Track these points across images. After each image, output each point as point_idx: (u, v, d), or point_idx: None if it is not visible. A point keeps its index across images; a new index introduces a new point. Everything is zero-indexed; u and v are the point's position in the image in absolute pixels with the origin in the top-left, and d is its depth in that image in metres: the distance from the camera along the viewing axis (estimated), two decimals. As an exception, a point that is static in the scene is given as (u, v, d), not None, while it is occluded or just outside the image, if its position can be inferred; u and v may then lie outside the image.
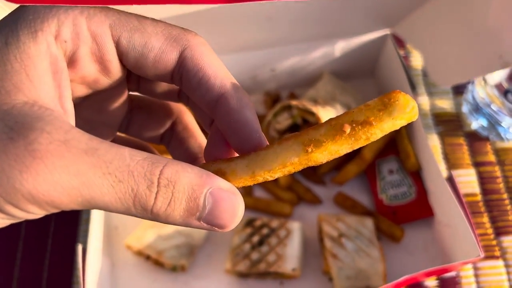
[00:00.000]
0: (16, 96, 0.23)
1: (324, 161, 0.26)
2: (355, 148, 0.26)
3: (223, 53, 0.65)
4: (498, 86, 0.65)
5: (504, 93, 0.64)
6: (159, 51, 0.27)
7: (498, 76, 0.64)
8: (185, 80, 0.28)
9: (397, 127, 0.25)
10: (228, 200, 0.25)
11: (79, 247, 0.51)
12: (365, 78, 0.76)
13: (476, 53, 0.55)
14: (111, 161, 0.23)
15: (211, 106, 0.28)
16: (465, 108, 0.74)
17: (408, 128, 0.66)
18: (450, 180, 0.56)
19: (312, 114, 0.61)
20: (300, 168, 0.26)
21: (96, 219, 0.56)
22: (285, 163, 0.25)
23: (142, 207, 0.24)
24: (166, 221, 0.25)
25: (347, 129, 0.25)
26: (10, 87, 0.23)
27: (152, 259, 0.60)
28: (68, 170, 0.22)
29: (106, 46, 0.27)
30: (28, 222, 0.65)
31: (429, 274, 0.55)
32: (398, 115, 0.24)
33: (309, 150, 0.25)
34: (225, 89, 0.28)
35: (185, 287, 0.60)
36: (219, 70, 0.28)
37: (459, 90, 0.77)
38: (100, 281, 0.55)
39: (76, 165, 0.22)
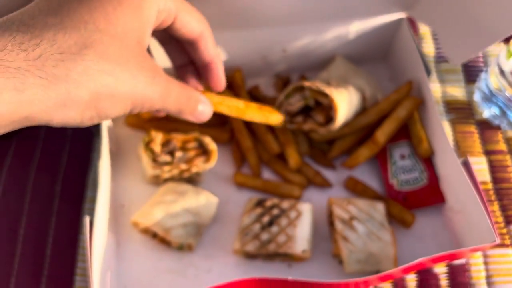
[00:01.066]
0: None
1: (248, 118, 0.55)
2: (261, 120, 0.57)
3: (233, 28, 0.63)
4: (514, 73, 0.64)
5: (520, 80, 0.63)
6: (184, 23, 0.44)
7: (513, 63, 0.63)
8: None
9: (268, 121, 0.58)
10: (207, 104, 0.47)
11: (87, 219, 0.50)
12: (376, 63, 0.75)
13: (488, 21, 0.54)
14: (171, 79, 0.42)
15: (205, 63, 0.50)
16: (477, 96, 0.73)
17: (422, 113, 0.65)
18: (466, 165, 0.55)
19: (325, 95, 0.60)
20: (235, 115, 0.53)
21: (103, 196, 0.55)
22: (236, 105, 0.53)
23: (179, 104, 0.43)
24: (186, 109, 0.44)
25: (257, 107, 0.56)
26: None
27: (158, 237, 0.59)
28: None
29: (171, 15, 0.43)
30: (31, 198, 0.64)
31: (439, 259, 0.54)
32: (270, 113, 0.58)
33: (246, 106, 0.54)
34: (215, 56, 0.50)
35: (191, 267, 0.59)
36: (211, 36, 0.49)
37: (471, 78, 0.76)
38: (105, 258, 0.54)
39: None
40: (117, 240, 0.60)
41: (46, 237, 0.61)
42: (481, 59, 0.78)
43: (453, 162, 0.58)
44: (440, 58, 0.77)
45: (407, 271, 0.54)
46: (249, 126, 0.66)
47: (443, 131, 0.60)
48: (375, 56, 0.74)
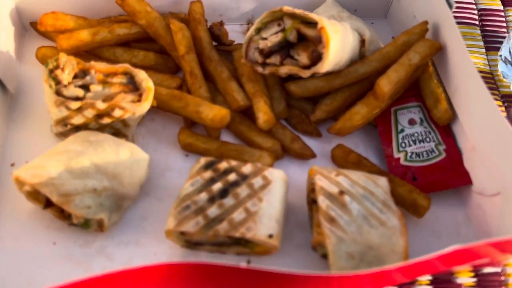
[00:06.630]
0: None
1: None
2: None
3: None
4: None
5: None
6: None
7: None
8: None
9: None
10: None
11: None
12: (376, 19, 0.61)
13: None
14: None
15: None
16: (501, 66, 0.59)
17: (440, 65, 0.48)
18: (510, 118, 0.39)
19: (313, 25, 0.44)
20: None
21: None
22: None
23: None
24: None
25: None
26: None
27: (53, 208, 0.39)
28: None
29: None
30: None
31: (464, 257, 0.37)
32: None
33: None
34: None
35: (100, 256, 0.42)
36: None
37: (492, 46, 0.62)
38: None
39: None
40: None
41: None
42: (504, 25, 0.63)
43: (494, 123, 0.40)
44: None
45: (414, 273, 0.36)
46: (208, 72, 0.49)
47: (479, 80, 0.42)
48: (375, 11, 0.59)
